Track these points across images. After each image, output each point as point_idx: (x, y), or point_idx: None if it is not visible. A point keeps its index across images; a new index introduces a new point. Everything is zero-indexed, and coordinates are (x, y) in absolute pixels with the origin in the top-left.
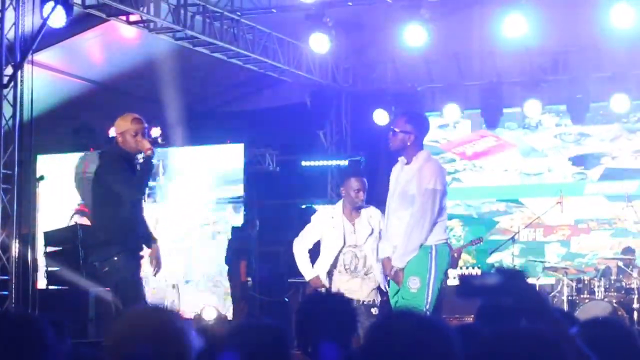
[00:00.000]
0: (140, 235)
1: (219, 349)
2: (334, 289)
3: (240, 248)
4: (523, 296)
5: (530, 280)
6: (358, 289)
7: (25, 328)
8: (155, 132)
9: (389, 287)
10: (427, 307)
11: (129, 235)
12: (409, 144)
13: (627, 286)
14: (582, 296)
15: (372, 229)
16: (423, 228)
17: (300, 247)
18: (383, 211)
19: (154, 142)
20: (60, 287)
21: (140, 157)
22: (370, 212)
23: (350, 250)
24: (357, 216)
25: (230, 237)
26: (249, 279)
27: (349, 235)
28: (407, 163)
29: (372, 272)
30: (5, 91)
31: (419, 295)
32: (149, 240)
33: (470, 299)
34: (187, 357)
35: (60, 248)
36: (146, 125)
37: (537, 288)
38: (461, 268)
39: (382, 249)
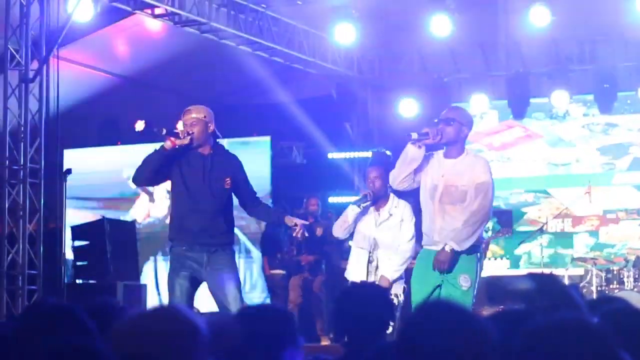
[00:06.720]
0: (195, 234)
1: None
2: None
3: (265, 243)
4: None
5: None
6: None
7: (67, 316)
8: (180, 125)
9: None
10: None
11: (177, 233)
12: (462, 136)
13: None
14: (611, 286)
15: (390, 215)
16: (483, 220)
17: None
18: (408, 202)
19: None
20: (88, 281)
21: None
22: (396, 202)
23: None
24: (383, 205)
25: (264, 229)
26: (278, 271)
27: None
28: (453, 157)
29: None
30: (31, 86)
31: (468, 293)
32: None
33: (502, 303)
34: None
35: (88, 242)
36: (185, 116)
37: (567, 280)
38: (489, 259)
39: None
